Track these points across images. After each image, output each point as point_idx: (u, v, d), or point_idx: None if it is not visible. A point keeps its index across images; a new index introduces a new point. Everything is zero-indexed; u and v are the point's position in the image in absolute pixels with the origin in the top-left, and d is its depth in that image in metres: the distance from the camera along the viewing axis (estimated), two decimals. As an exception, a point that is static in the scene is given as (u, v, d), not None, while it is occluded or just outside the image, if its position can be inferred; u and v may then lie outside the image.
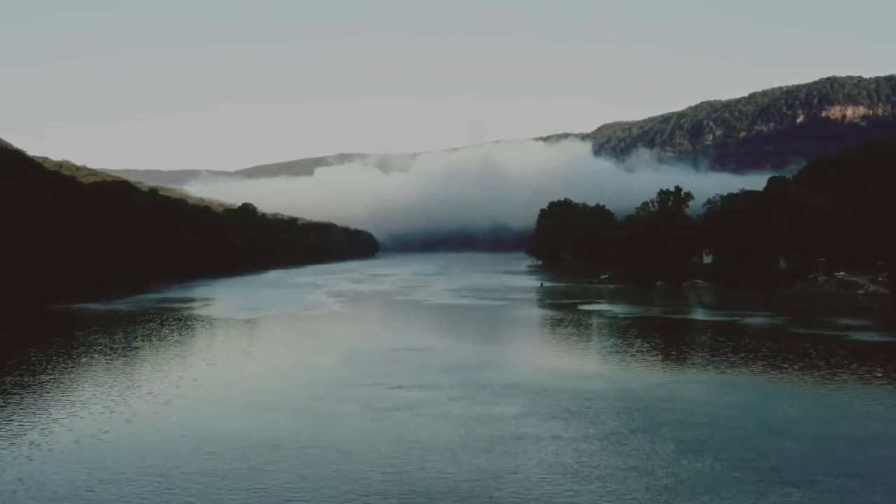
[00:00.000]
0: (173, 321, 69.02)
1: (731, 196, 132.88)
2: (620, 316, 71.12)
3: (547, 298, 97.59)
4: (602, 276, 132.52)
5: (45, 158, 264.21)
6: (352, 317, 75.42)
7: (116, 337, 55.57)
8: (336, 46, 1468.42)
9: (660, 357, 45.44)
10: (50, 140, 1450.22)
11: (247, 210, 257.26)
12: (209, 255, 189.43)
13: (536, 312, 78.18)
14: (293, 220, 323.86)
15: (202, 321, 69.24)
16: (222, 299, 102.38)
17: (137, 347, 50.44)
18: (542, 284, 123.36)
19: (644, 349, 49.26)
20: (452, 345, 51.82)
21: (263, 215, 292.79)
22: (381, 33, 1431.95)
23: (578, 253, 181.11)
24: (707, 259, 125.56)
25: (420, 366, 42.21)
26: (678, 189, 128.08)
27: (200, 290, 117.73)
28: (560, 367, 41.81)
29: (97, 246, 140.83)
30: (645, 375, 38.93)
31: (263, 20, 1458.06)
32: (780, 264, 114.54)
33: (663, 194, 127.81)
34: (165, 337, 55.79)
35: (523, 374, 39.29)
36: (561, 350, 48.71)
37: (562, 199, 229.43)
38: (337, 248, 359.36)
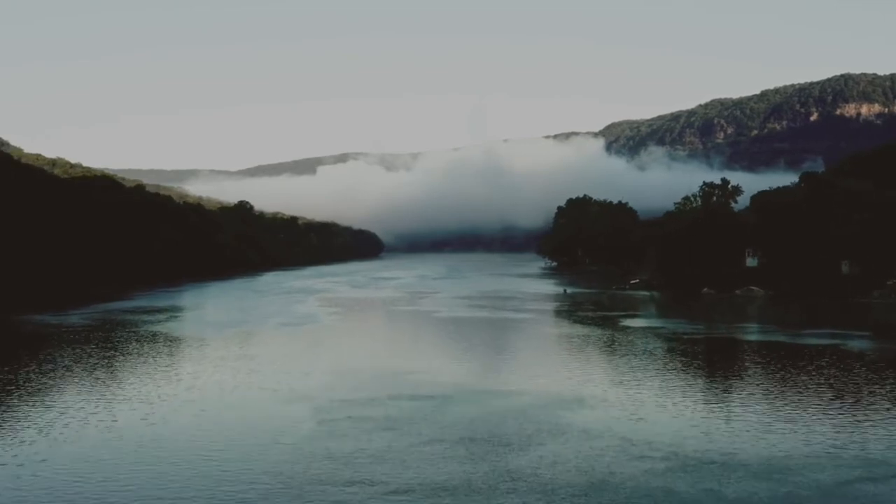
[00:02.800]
0: (120, 340, 54.56)
1: (778, 190, 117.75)
2: (683, 336, 55.94)
3: (577, 309, 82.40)
4: (632, 282, 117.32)
5: (38, 155, 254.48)
6: (343, 336, 60.52)
7: (28, 365, 40.79)
8: (340, 46, 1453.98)
9: (803, 415, 30.24)
10: (53, 140, 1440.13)
11: (242, 208, 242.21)
12: (198, 256, 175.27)
13: (571, 330, 62.97)
14: (293, 220, 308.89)
15: (154, 341, 54.58)
16: (197, 309, 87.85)
17: (41, 385, 35.65)
18: (565, 291, 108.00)
19: (761, 398, 34.06)
20: (476, 387, 36.73)
21: (261, 214, 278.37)
22: (382, 32, 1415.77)
23: (600, 254, 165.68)
24: (751, 262, 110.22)
25: (433, 434, 27.18)
26: (725, 182, 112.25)
27: (179, 298, 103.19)
28: (654, 437, 26.65)
29: (69, 247, 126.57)
30: (809, 459, 23.80)
31: (267, 21, 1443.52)
32: (843, 268, 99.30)
33: (707, 187, 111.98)
34: (88, 368, 40.99)
35: (602, 455, 24.26)
36: (635, 398, 33.60)
37: (574, 197, 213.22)
38: (339, 248, 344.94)
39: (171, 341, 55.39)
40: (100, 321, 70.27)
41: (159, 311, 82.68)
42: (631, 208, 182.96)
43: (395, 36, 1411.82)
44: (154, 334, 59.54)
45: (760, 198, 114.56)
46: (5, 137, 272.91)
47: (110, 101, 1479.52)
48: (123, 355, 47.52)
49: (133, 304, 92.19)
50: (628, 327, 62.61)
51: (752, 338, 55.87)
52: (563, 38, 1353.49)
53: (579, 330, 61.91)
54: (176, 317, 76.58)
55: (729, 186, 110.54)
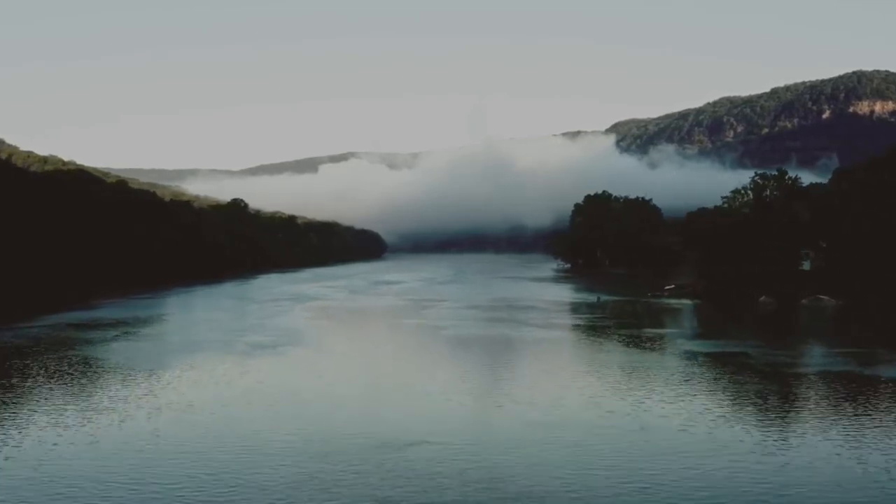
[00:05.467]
0: (26, 370, 40.76)
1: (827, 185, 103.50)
2: (785, 371, 41.66)
3: (617, 325, 67.97)
4: (667, 287, 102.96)
5: (30, 153, 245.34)
6: (324, 369, 45.79)
7: None
8: (340, 46, 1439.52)
9: None
10: (53, 140, 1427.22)
11: (236, 207, 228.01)
12: (186, 257, 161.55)
13: (624, 358, 48.52)
14: (292, 219, 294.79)
15: (73, 372, 40.96)
16: (161, 322, 73.60)
17: None
18: (598, 299, 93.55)
19: None
20: (525, 487, 22.40)
21: (258, 213, 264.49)
22: (382, 32, 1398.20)
23: (625, 256, 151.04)
24: (805, 265, 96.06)
25: None
26: (782, 172, 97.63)
27: (148, 307, 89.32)
28: None
29: (36, 248, 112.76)
30: None
31: (267, 21, 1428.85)
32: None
33: (760, 179, 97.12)
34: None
35: None
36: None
37: (591, 193, 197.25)
38: (340, 248, 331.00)
39: (96, 373, 41.46)
40: (32, 339, 56.64)
41: (115, 324, 68.98)
42: (655, 206, 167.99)
43: (395, 36, 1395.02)
44: (82, 361, 45.73)
45: (812, 192, 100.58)
46: (5, 137, 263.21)
47: (111, 101, 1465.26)
48: (11, 398, 33.44)
49: (91, 314, 78.55)
50: (700, 355, 48.08)
51: (882, 372, 41.27)
52: (563, 38, 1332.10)
53: (635, 357, 47.42)
54: (129, 333, 62.62)
55: (787, 178, 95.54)
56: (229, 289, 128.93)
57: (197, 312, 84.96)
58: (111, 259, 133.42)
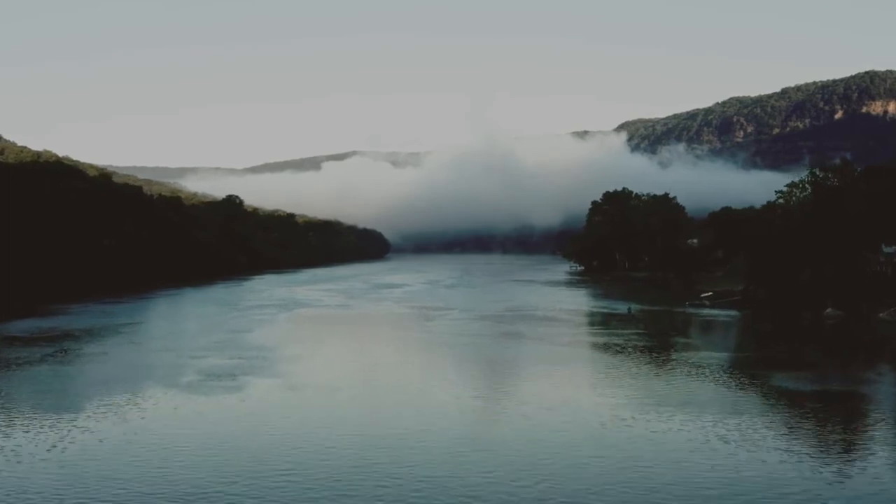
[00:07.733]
0: None
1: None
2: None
3: (667, 347, 55.94)
4: (703, 295, 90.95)
5: (24, 148, 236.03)
6: (288, 412, 33.84)
7: None
8: (347, 43, 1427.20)
9: None
10: (55, 139, 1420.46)
11: (230, 204, 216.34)
12: (177, 258, 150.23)
13: (703, 403, 36.68)
14: (290, 217, 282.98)
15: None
16: (113, 335, 61.38)
17: None
18: (629, 310, 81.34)
19: None
20: None
21: (255, 211, 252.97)
22: (388, 29, 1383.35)
23: (649, 259, 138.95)
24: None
25: None
26: (846, 161, 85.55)
27: (116, 313, 78.13)
28: None
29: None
30: None
31: (273, 21, 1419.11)
32: None
33: (820, 170, 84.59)
34: None
35: None
36: None
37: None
38: (342, 248, 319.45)
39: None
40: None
41: (61, 337, 58.06)
42: (678, 204, 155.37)
43: (399, 33, 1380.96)
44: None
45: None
46: (3, 134, 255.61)
47: (113, 99, 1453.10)
48: None
49: (43, 323, 67.56)
50: (798, 396, 36.23)
51: None
52: (567, 37, 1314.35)
53: (705, 400, 35.44)
54: (67, 351, 51.30)
55: (856, 170, 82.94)
56: (217, 292, 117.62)
57: (165, 322, 73.43)
58: (91, 259, 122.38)
